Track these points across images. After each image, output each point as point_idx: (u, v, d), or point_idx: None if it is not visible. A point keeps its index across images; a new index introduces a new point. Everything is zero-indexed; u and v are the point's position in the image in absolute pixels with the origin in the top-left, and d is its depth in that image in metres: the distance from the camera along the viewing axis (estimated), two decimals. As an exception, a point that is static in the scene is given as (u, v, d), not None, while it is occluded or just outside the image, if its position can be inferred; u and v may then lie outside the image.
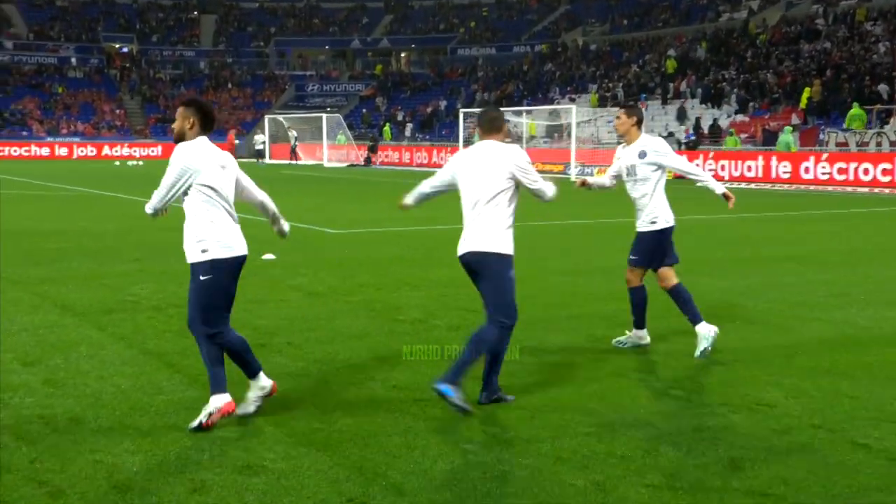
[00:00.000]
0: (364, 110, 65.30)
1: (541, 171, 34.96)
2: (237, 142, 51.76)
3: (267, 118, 55.56)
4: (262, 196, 5.93)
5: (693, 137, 39.50)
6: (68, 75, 67.07)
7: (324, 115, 49.80)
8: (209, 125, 5.57)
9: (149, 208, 5.54)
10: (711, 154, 35.55)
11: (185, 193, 5.35)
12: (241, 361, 5.57)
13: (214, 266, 5.30)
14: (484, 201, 5.66)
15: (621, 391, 6.17)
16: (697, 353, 7.00)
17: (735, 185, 32.11)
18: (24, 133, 58.97)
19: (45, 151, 56.36)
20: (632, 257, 7.13)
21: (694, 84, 46.41)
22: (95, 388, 6.14)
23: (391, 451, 4.94)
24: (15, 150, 55.64)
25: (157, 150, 57.95)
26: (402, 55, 73.99)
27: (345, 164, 47.50)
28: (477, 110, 46.99)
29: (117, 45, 72.15)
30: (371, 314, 8.72)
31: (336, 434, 5.22)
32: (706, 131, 40.21)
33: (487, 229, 5.64)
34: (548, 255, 13.01)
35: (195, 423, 5.23)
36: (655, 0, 63.09)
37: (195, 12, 77.22)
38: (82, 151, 57.26)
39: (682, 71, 48.42)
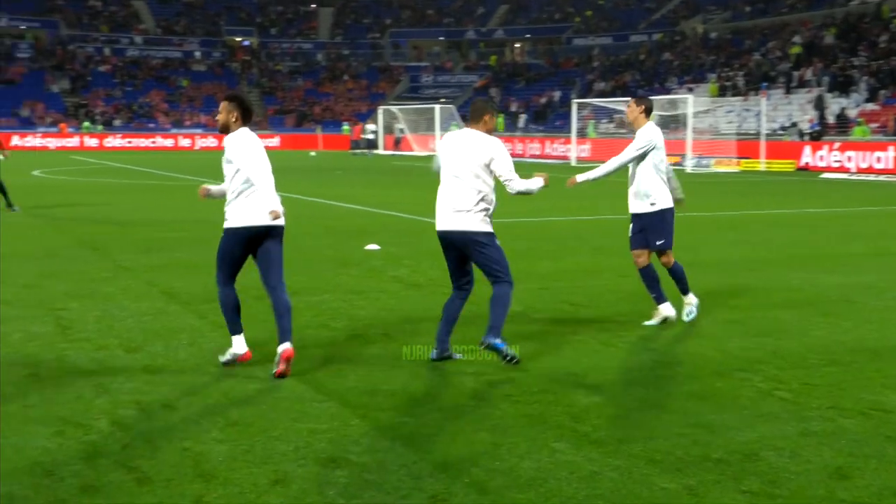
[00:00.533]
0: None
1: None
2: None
3: (380, 109, 56.23)
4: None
5: (817, 127, 37.94)
6: (192, 69, 69.46)
7: (437, 107, 50.00)
8: (249, 117, 6.30)
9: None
10: (837, 145, 34.04)
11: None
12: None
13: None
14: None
15: (722, 391, 5.90)
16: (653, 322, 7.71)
17: (863, 177, 30.71)
18: (151, 125, 61.41)
19: (169, 143, 58.58)
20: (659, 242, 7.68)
21: (820, 72, 44.56)
22: (191, 376, 6.25)
23: (477, 447, 4.84)
24: (141, 142, 58.03)
25: (275, 141, 59.44)
26: (517, 45, 73.63)
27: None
28: (594, 101, 46.45)
29: (239, 39, 74.32)
30: (469, 306, 8.60)
31: (423, 428, 5.15)
32: (833, 121, 38.56)
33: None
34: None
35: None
36: (781, -17, 60.81)
37: (313, 5, 78.78)
38: (204, 143, 59.21)
39: (807, 58, 46.56)
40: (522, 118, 58.90)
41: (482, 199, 6.40)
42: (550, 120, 57.89)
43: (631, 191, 7.65)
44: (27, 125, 58.17)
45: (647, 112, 7.67)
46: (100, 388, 5.94)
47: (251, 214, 6.13)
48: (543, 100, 60.98)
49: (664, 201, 7.61)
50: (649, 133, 7.58)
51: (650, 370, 6.44)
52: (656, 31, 64.90)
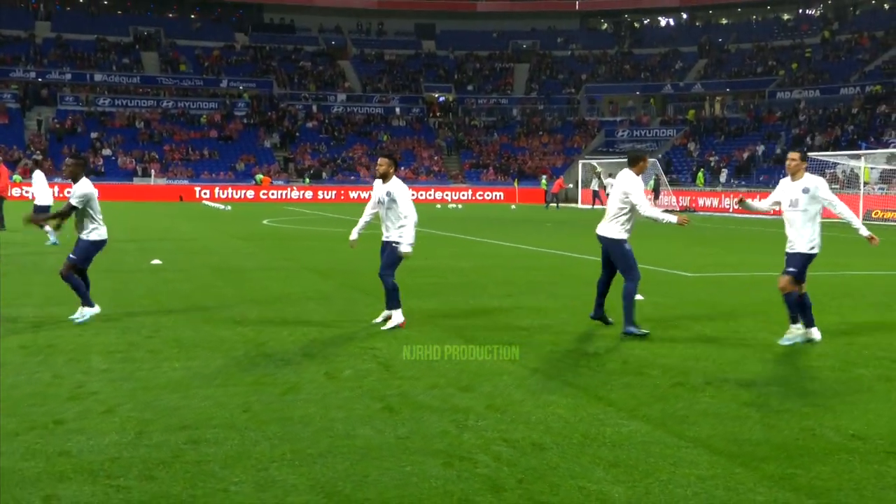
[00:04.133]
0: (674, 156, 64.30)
1: (879, 220, 32.06)
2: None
3: (581, 163, 56.28)
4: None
5: None
6: (392, 124, 72.05)
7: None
8: (397, 169, 9.99)
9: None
10: None
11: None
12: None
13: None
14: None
15: None
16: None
17: None
18: (352, 178, 63.96)
19: (369, 195, 60.59)
20: (794, 270, 9.15)
21: None
22: (538, 414, 6.34)
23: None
24: (348, 194, 60.46)
25: (466, 195, 60.54)
26: (717, 99, 72.09)
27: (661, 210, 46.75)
28: (812, 154, 44.63)
29: (436, 95, 76.59)
30: (778, 358, 8.37)
31: (818, 481, 4.99)
32: None
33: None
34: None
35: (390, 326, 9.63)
36: None
37: (510, 62, 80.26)
38: (404, 195, 61.06)
39: None
40: (724, 173, 57.42)
41: (621, 217, 9.46)
42: (754, 175, 56.11)
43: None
44: (242, 178, 61.90)
45: (805, 163, 9.30)
46: (457, 424, 6.11)
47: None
48: (746, 154, 59.25)
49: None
50: (824, 183, 9.26)
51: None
52: (870, 83, 61.90)
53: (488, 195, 60.66)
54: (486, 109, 74.70)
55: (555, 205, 49.36)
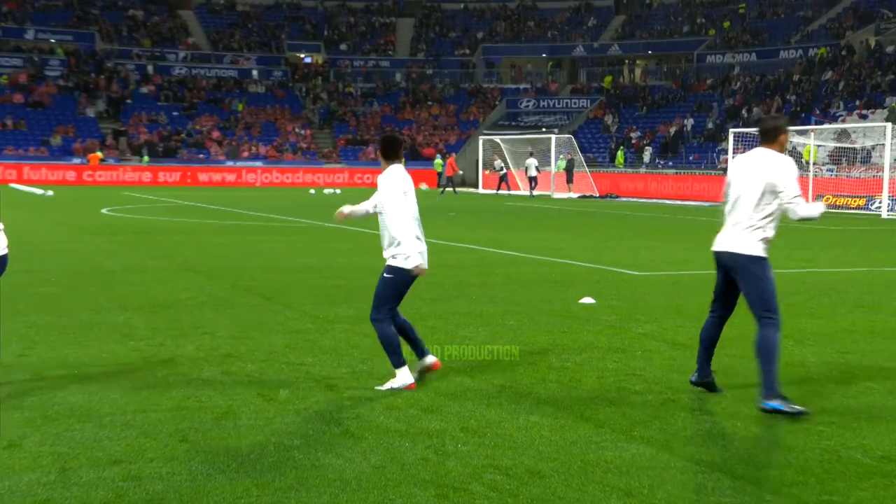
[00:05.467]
0: (589, 130, 65.97)
1: (830, 206, 34.01)
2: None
3: (481, 140, 57.15)
4: None
5: None
6: (249, 90, 71.41)
7: (553, 137, 50.69)
8: (389, 154, 8.25)
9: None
10: None
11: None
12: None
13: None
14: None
15: None
16: None
17: None
18: (202, 156, 63.18)
19: (223, 178, 60.02)
20: None
21: None
22: (522, 438, 6.70)
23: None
24: (197, 176, 59.65)
25: (342, 177, 60.68)
26: (637, 64, 74.23)
27: (576, 196, 47.99)
28: (753, 130, 46.54)
29: (302, 55, 76.32)
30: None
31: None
32: None
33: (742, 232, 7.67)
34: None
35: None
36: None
37: (391, 17, 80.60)
38: (266, 178, 60.72)
39: None
40: (648, 152, 59.28)
41: (761, 223, 7.57)
42: (683, 154, 58.15)
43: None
44: (60, 155, 60.31)
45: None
46: (435, 450, 6.40)
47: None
48: (672, 129, 61.32)
49: None
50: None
51: None
52: (815, 44, 64.91)
53: (369, 178, 60.89)
54: (363, 74, 74.91)
55: (451, 189, 49.99)
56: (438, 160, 58.38)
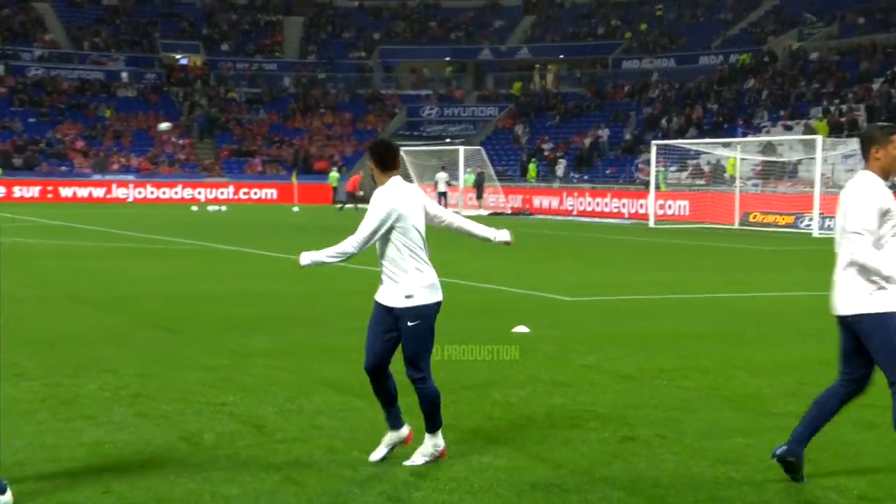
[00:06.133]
0: (499, 141, 66.65)
1: (757, 224, 34.92)
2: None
3: (405, 152, 57.21)
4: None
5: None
6: (118, 94, 70.47)
7: (461, 149, 51.11)
8: (383, 165, 7.39)
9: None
10: None
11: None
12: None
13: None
14: None
15: None
16: None
17: None
18: (63, 168, 62.02)
19: (90, 193, 58.98)
20: None
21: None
22: (479, 481, 6.85)
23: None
24: (59, 191, 58.50)
25: (227, 192, 60.23)
26: (549, 69, 75.26)
27: (486, 213, 48.46)
28: (676, 142, 47.68)
29: (178, 56, 75.64)
30: (731, 403, 9.28)
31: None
32: None
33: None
34: None
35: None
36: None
37: (277, 14, 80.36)
38: (140, 193, 59.89)
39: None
40: (562, 164, 60.10)
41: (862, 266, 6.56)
42: (599, 167, 59.12)
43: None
44: None
45: None
46: (389, 496, 6.50)
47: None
48: (587, 140, 62.31)
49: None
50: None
51: None
52: (735, 50, 66.70)
53: (257, 193, 60.59)
54: (247, 77, 74.56)
55: (351, 206, 50.03)
56: (334, 173, 58.39)
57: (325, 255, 7.30)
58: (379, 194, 7.19)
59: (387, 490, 6.64)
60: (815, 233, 36.41)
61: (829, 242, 25.17)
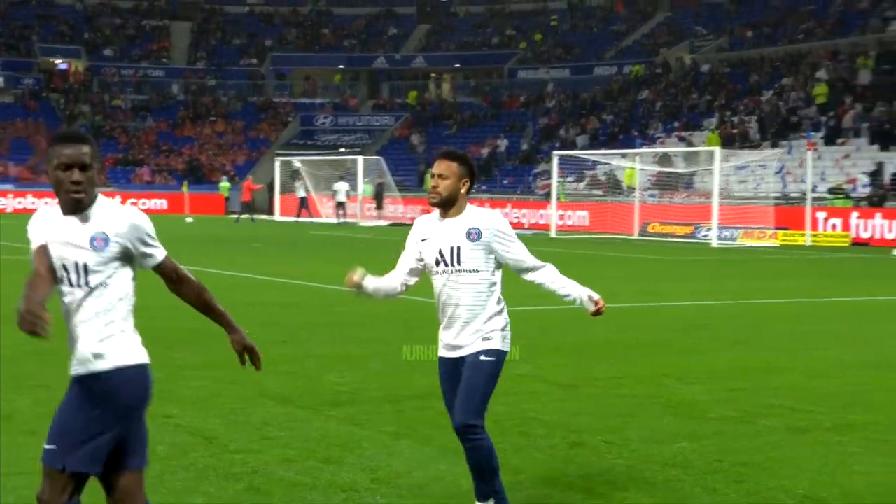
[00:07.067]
0: (394, 151, 66.88)
1: (656, 234, 35.90)
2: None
3: (278, 162, 57.17)
4: None
5: (869, 188, 40.47)
6: (-7, 100, 69.07)
7: (360, 159, 51.27)
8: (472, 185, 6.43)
9: None
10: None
11: None
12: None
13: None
14: None
15: None
16: None
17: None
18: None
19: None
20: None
21: (858, 118, 47.51)
22: (440, 488, 7.06)
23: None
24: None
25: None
26: (445, 78, 75.79)
27: (385, 224, 48.66)
28: (577, 152, 48.45)
29: (57, 61, 74.31)
30: (669, 410, 9.65)
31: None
32: (889, 181, 41.10)
33: None
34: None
35: None
36: (793, 4, 64.65)
37: (164, 19, 79.46)
38: (20, 203, 58.71)
39: (838, 101, 49.59)
40: (459, 174, 60.50)
41: None
42: (497, 178, 59.75)
43: None
44: None
45: None
46: (356, 504, 6.68)
47: None
48: (485, 150, 62.92)
49: None
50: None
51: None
52: (629, 61, 68.02)
53: (146, 203, 59.83)
54: (133, 84, 73.66)
55: (248, 216, 49.85)
56: (225, 183, 58.07)
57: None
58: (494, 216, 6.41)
59: (350, 497, 6.82)
60: (714, 243, 37.36)
61: (729, 252, 26.53)
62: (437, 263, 6.25)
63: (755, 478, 7.53)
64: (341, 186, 49.78)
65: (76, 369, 4.87)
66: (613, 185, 49.63)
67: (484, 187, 58.22)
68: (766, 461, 7.99)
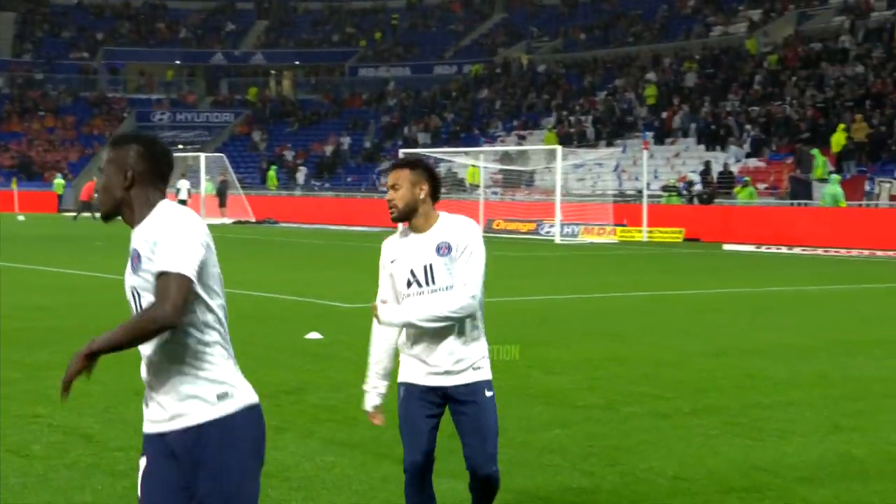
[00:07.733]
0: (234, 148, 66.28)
1: (501, 231, 36.68)
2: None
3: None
4: None
5: (698, 187, 41.88)
6: None
7: (202, 156, 50.61)
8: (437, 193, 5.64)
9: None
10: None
11: None
12: None
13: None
14: None
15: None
16: None
17: (775, 249, 34.30)
18: None
19: None
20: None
21: (686, 118, 49.15)
22: (329, 478, 7.19)
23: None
24: None
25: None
26: (285, 75, 75.37)
27: (230, 221, 48.16)
28: (423, 150, 48.68)
29: None
30: (539, 399, 9.97)
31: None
32: (715, 180, 42.61)
33: None
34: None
35: None
36: (622, 8, 66.45)
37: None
38: None
39: (667, 101, 51.23)
40: (302, 172, 60.37)
41: None
42: (342, 175, 59.78)
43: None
44: None
45: None
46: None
47: None
48: (328, 148, 62.86)
49: None
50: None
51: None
52: (468, 60, 68.82)
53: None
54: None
55: (88, 214, 48.68)
56: (59, 180, 56.63)
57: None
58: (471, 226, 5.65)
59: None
60: (557, 239, 38.10)
61: (573, 248, 27.31)
62: (409, 285, 5.58)
63: (627, 461, 7.87)
64: (183, 184, 49.05)
65: None
66: (456, 183, 50.13)
67: (328, 185, 58.29)
68: (635, 445, 8.35)
